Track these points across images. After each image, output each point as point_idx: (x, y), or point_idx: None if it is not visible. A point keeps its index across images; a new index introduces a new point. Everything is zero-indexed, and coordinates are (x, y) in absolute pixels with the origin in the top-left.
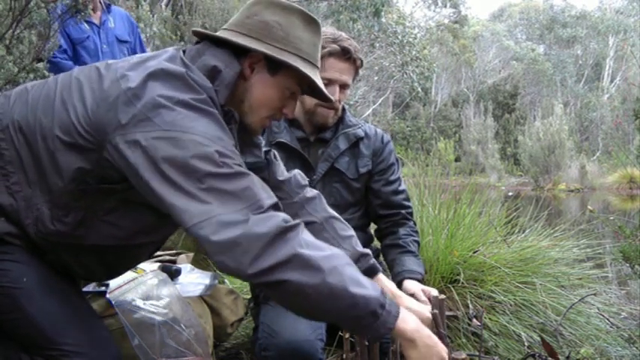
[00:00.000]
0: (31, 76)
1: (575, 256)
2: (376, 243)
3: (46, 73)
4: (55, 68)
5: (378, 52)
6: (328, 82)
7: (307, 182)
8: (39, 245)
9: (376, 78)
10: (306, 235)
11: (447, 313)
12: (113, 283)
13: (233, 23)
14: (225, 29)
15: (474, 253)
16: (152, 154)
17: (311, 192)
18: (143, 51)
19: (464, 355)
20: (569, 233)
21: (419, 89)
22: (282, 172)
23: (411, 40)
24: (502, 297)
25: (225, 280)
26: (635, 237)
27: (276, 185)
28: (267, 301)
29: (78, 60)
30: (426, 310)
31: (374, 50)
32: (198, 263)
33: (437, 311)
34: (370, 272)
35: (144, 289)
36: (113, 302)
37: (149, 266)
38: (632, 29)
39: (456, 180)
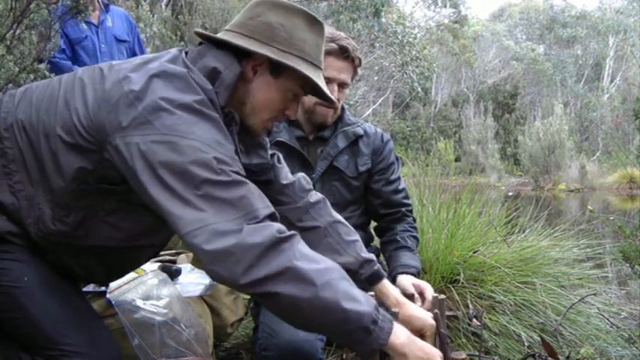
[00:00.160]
0: (32, 76)
1: (575, 256)
2: (377, 242)
3: (47, 74)
4: (55, 68)
5: (378, 52)
6: (327, 81)
7: (311, 186)
8: (40, 245)
9: (376, 78)
10: (301, 246)
11: (447, 313)
12: (113, 283)
13: (235, 24)
14: (227, 30)
15: (474, 253)
16: (150, 158)
17: (315, 196)
18: (141, 50)
19: (464, 355)
20: (569, 233)
21: (419, 89)
22: (285, 175)
23: (411, 40)
24: (502, 297)
25: None
26: (635, 237)
27: (279, 189)
28: None
29: (77, 60)
30: (429, 316)
31: (374, 50)
32: (198, 263)
33: (437, 311)
34: (374, 278)
35: (144, 289)
36: (113, 302)
37: (149, 266)
38: (632, 29)
39: (456, 180)
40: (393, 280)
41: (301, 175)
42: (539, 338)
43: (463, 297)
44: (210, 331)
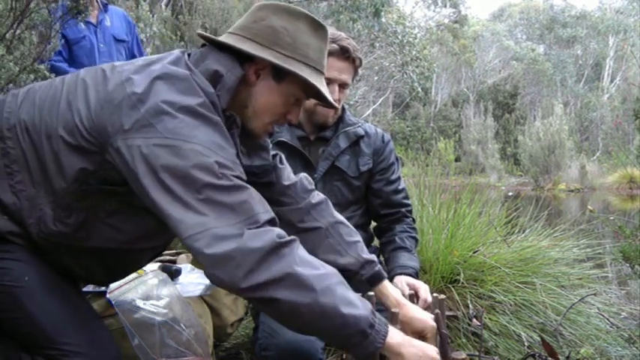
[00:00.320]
0: (32, 76)
1: (575, 256)
2: (377, 242)
3: (47, 74)
4: (51, 70)
5: (378, 52)
6: (328, 82)
7: (313, 187)
8: (40, 245)
9: (376, 78)
10: (301, 251)
11: (447, 313)
12: (113, 283)
13: (239, 27)
14: (230, 33)
15: (474, 253)
16: (152, 162)
17: (317, 197)
18: (140, 50)
19: (464, 355)
20: (569, 233)
21: (419, 89)
22: (287, 176)
23: (411, 40)
24: (502, 297)
25: None
26: (635, 237)
27: (281, 190)
28: None
29: (74, 61)
30: (429, 318)
31: (374, 50)
32: (198, 263)
33: (438, 311)
34: (375, 279)
35: (144, 289)
36: (113, 302)
37: (149, 266)
38: (632, 29)
39: (456, 180)
40: (391, 281)
41: (303, 175)
42: (539, 338)
43: (463, 297)
44: (210, 331)
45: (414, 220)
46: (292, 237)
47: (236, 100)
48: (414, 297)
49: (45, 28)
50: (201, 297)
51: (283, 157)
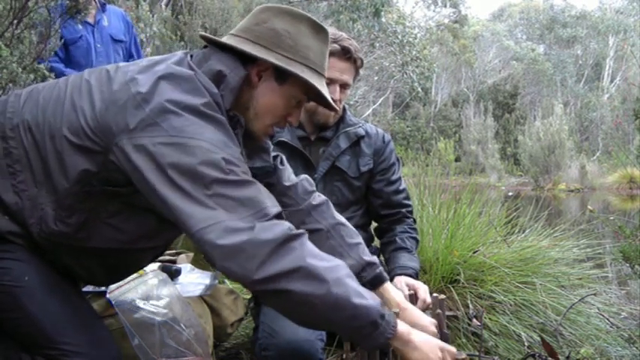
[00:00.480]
0: (32, 76)
1: (575, 256)
2: (377, 242)
3: (47, 73)
4: (50, 70)
5: (378, 52)
6: (329, 82)
7: (314, 188)
8: (41, 245)
9: (376, 78)
10: (310, 244)
11: (447, 313)
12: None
13: (241, 29)
14: (232, 35)
15: (474, 253)
16: (159, 160)
17: (318, 198)
18: (138, 51)
19: (464, 355)
20: (569, 233)
21: (419, 89)
22: (288, 177)
23: (411, 40)
24: (502, 297)
25: (225, 280)
26: (635, 237)
27: (282, 191)
28: None
29: (70, 61)
30: (431, 323)
31: (374, 50)
32: (198, 263)
33: (440, 311)
34: (377, 281)
35: (144, 289)
36: (113, 302)
37: (149, 266)
38: (632, 29)
39: (456, 180)
40: (390, 281)
41: (304, 177)
42: (539, 338)
43: (463, 297)
44: (210, 331)
45: (414, 221)
46: (302, 230)
47: (239, 101)
48: (413, 297)
49: (44, 27)
50: (201, 297)
51: (284, 158)
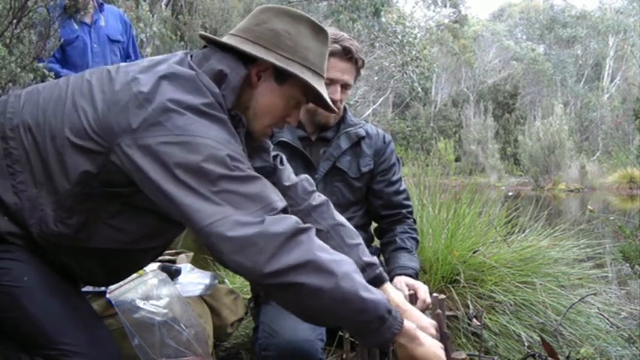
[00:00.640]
0: (31, 75)
1: (575, 256)
2: (377, 242)
3: (46, 73)
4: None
5: (378, 52)
6: (330, 82)
7: (314, 189)
8: (41, 246)
9: (376, 78)
10: (317, 238)
11: (447, 313)
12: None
13: (241, 29)
14: (232, 35)
15: (474, 253)
16: (164, 159)
17: (318, 199)
18: (135, 51)
19: (464, 355)
20: (569, 233)
21: (419, 89)
22: (288, 176)
23: (411, 40)
24: (502, 297)
25: (225, 280)
26: (635, 237)
27: (282, 191)
28: (267, 301)
29: (66, 61)
30: (431, 325)
31: (374, 50)
32: (198, 263)
33: (439, 311)
34: (376, 282)
35: (144, 289)
36: (113, 302)
37: (149, 266)
38: (632, 29)
39: (456, 180)
40: (390, 281)
41: (304, 177)
42: (539, 338)
43: (463, 297)
44: (210, 331)
45: (414, 221)
46: (309, 224)
47: (240, 101)
48: (413, 297)
49: (44, 27)
50: (201, 297)
51: (284, 157)
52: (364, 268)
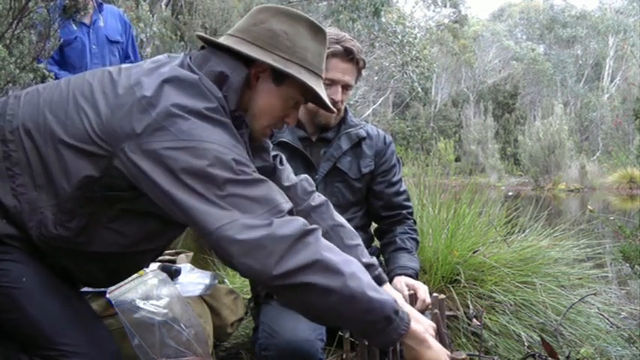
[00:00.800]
0: (31, 75)
1: (575, 256)
2: (377, 243)
3: (46, 73)
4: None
5: (378, 52)
6: (331, 83)
7: (314, 189)
8: (40, 249)
9: (376, 78)
10: (323, 239)
11: (447, 313)
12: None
13: (239, 29)
14: (230, 35)
15: (474, 253)
16: (170, 164)
17: (318, 199)
18: (134, 52)
19: (464, 355)
20: (569, 233)
21: (419, 89)
22: (288, 177)
23: (411, 40)
24: (502, 297)
25: (225, 280)
26: (635, 237)
27: None
28: (267, 301)
29: (65, 62)
30: (430, 326)
31: (374, 50)
32: (198, 263)
33: (437, 311)
34: (376, 283)
35: (144, 289)
36: (113, 302)
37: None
38: (632, 29)
39: (456, 180)
40: (390, 281)
41: (304, 177)
42: (539, 338)
43: (463, 297)
44: (210, 331)
45: (414, 222)
46: (315, 225)
47: (240, 101)
48: (413, 297)
49: (44, 27)
50: (201, 297)
51: (284, 157)
52: None
